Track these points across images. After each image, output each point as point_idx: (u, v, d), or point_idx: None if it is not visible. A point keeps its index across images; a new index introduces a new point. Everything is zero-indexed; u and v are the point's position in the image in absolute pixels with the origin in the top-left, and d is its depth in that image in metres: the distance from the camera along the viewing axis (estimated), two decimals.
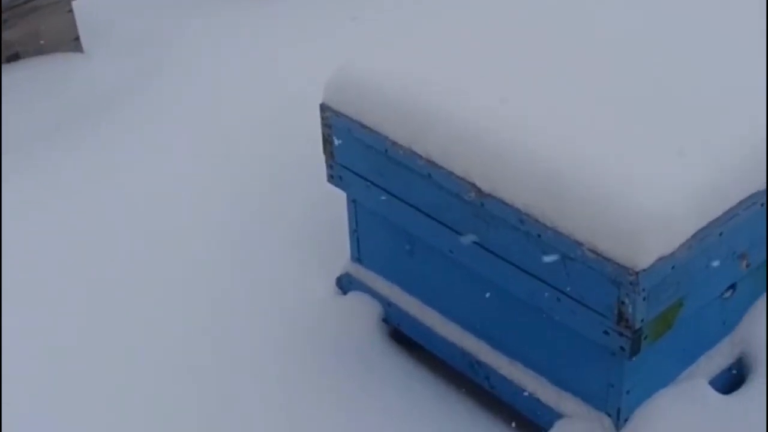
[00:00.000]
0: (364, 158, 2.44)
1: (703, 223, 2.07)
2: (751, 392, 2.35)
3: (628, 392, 2.20)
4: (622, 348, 2.09)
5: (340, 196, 2.63)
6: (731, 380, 2.40)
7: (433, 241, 2.39)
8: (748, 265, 2.26)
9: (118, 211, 3.12)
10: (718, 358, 2.38)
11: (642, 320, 2.05)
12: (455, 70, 2.37)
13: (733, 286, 2.30)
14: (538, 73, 2.34)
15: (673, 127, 2.17)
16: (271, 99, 3.54)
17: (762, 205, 2.17)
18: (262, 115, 3.48)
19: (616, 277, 2.02)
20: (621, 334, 2.08)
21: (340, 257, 2.76)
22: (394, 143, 2.34)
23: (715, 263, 2.15)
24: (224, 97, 3.59)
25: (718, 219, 2.09)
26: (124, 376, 2.60)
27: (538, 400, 2.34)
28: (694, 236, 2.06)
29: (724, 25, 2.55)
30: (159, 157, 3.33)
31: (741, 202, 2.13)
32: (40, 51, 3.66)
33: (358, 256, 2.68)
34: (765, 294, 2.41)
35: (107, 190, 3.19)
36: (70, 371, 2.62)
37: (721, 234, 2.11)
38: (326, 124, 2.49)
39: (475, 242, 2.27)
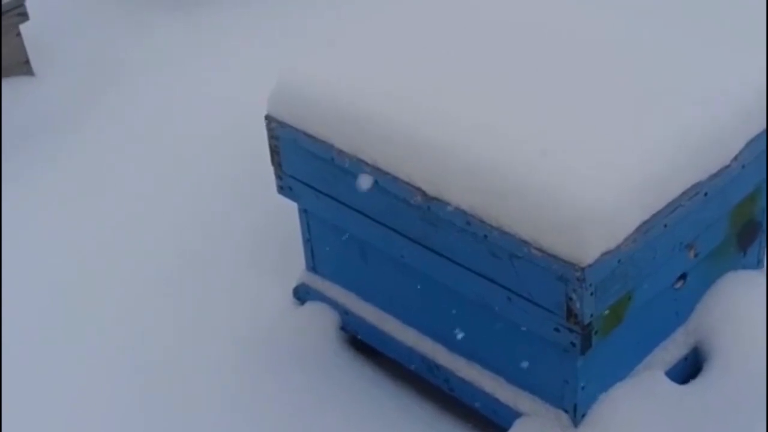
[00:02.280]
0: (311, 168, 2.44)
1: (646, 215, 2.08)
2: (707, 381, 2.36)
3: (583, 388, 2.21)
4: (573, 344, 2.10)
5: (294, 206, 2.63)
6: (687, 370, 2.41)
7: (384, 247, 2.39)
8: (696, 255, 2.27)
9: (70, 228, 3.12)
10: (673, 349, 2.39)
11: (591, 315, 2.06)
12: (396, 74, 2.37)
13: (683, 277, 2.31)
14: (478, 75, 2.34)
15: (613, 123, 2.19)
16: (224, 111, 3.54)
17: (705, 194, 2.18)
18: (216, 127, 3.48)
19: (563, 273, 2.02)
20: (571, 331, 2.08)
21: (297, 268, 2.76)
22: (340, 151, 2.34)
23: (662, 255, 2.16)
24: (177, 112, 3.59)
25: (661, 211, 2.10)
26: (78, 382, 2.63)
27: (496, 400, 2.35)
28: (638, 229, 2.07)
29: (662, 23, 2.57)
30: (112, 175, 3.33)
31: (684, 193, 2.14)
32: None
33: (313, 266, 2.68)
34: (717, 283, 2.43)
35: (58, 210, 3.19)
36: (25, 377, 2.64)
37: (665, 225, 2.12)
38: (272, 136, 2.49)
39: (424, 246, 2.28)
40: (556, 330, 2.11)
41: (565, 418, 2.24)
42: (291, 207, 2.65)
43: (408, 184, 2.23)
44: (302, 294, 2.72)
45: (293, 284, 2.74)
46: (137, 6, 4.24)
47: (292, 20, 4.03)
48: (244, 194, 3.14)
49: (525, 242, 2.07)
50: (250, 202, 3.10)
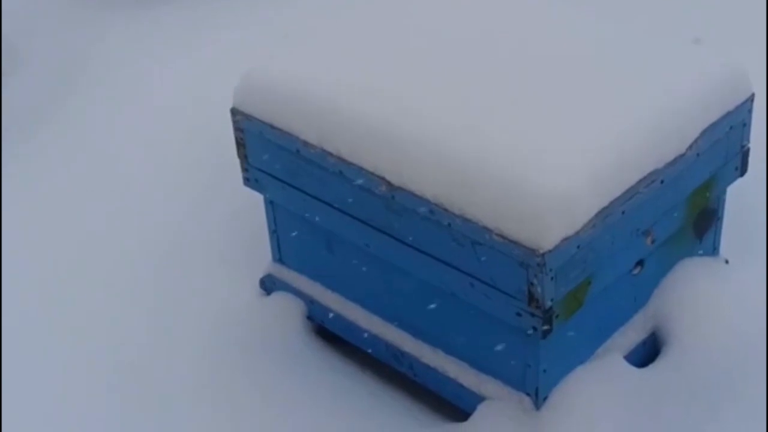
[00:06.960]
0: (277, 159, 2.48)
1: (605, 202, 2.14)
2: (665, 364, 2.42)
3: (545, 371, 2.26)
4: (534, 328, 2.15)
5: (261, 198, 2.66)
6: (646, 354, 2.47)
7: (349, 237, 2.44)
8: (653, 241, 2.33)
9: (43, 220, 3.14)
10: (632, 333, 2.45)
11: (552, 300, 2.11)
12: (360, 66, 2.42)
13: (641, 262, 2.37)
14: (441, 67, 2.39)
15: (573, 113, 2.24)
16: (192, 104, 3.56)
17: (662, 182, 2.24)
18: (183, 122, 3.50)
19: (524, 259, 2.08)
20: (533, 315, 2.14)
21: (264, 259, 2.79)
22: (305, 143, 2.38)
23: (620, 241, 2.22)
24: (144, 108, 3.60)
25: (619, 198, 2.16)
26: (44, 374, 2.65)
27: (460, 385, 2.39)
28: (597, 215, 2.12)
29: (623, 18, 2.62)
30: (79, 171, 3.35)
31: (641, 181, 2.19)
32: None
33: (279, 257, 2.71)
34: (674, 269, 2.49)
35: (24, 212, 3.20)
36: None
37: (623, 212, 2.17)
38: (238, 128, 2.53)
39: (389, 234, 2.32)
40: (518, 315, 2.16)
41: (527, 401, 2.30)
42: (258, 199, 2.68)
43: (372, 174, 2.27)
44: (269, 285, 2.75)
45: (260, 275, 2.78)
46: (98, 4, 4.25)
47: (257, 14, 4.06)
48: (212, 187, 3.16)
49: (487, 229, 2.12)
50: (217, 195, 3.12)
